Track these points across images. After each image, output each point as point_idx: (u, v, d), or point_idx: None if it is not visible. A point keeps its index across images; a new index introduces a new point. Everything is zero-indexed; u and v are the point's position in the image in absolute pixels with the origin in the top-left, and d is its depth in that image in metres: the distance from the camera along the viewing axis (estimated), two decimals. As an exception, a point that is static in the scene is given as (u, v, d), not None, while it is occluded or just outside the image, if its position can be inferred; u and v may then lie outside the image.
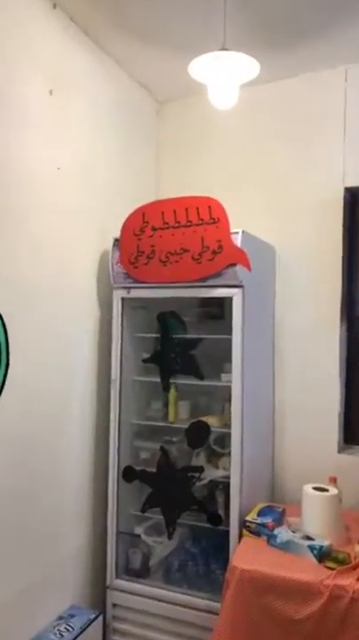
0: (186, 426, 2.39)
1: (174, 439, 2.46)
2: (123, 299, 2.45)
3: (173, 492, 2.36)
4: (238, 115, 2.46)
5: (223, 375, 2.33)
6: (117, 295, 2.46)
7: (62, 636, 2.07)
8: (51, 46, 2.14)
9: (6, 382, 1.91)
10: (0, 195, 1.89)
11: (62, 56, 2.21)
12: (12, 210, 1.94)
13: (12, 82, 1.94)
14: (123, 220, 2.40)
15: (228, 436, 2.25)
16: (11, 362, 1.93)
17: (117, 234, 2.42)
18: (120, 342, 2.48)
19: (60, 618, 2.18)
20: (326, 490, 2.14)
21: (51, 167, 2.16)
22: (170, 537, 2.36)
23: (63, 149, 2.24)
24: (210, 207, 2.23)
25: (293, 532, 2.08)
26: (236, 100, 2.11)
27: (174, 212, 2.29)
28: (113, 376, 2.47)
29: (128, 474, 2.45)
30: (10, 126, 1.93)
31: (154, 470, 2.41)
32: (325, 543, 1.96)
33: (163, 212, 2.31)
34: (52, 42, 2.15)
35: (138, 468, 2.45)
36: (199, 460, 2.39)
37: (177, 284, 2.30)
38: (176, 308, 2.48)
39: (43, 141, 2.12)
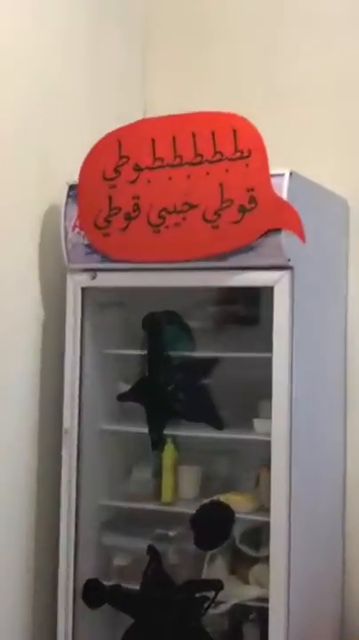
0: (192, 510, 2.37)
1: (172, 533, 2.47)
2: (83, 289, 2.47)
3: (169, 626, 2.38)
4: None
5: (257, 422, 2.33)
6: (74, 282, 2.48)
7: None
8: None
9: None
10: None
11: None
12: None
13: None
14: (85, 153, 2.42)
15: (266, 528, 2.22)
16: None
17: (74, 177, 2.44)
18: (79, 365, 2.49)
19: None
20: None
21: None
22: None
23: None
24: (235, 131, 2.20)
25: None
26: None
27: (173, 139, 2.28)
28: (65, 424, 2.48)
29: (92, 594, 2.47)
30: None
31: (137, 587, 2.43)
32: None
33: (153, 140, 2.32)
34: None
35: (108, 584, 2.47)
36: (215, 569, 2.39)
37: (177, 265, 2.31)
38: (176, 306, 2.50)
39: None
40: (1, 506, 2.38)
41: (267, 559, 2.20)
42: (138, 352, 2.55)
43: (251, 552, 2.34)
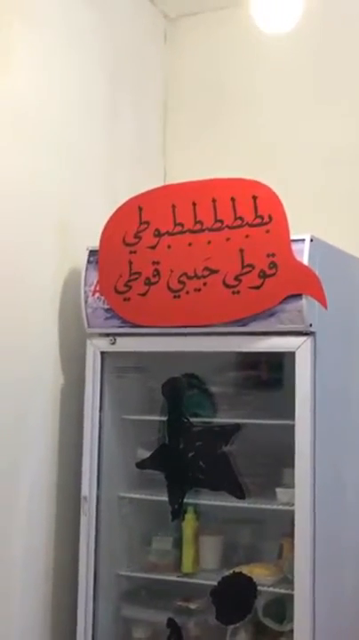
0: (213, 582, 2.38)
1: (193, 606, 2.50)
2: (103, 353, 2.53)
3: None
4: (302, 39, 2.67)
5: (280, 491, 2.34)
6: (94, 347, 2.55)
7: None
8: None
9: None
10: None
11: None
12: None
13: None
14: (104, 219, 2.51)
15: (290, 600, 2.22)
16: None
17: (95, 242, 2.52)
18: (98, 431, 2.54)
19: None
20: None
21: None
22: None
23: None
24: (255, 197, 2.27)
25: None
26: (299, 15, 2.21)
27: (193, 204, 2.36)
28: (84, 491, 2.51)
29: None
30: None
31: None
32: None
33: (173, 206, 2.39)
34: None
35: None
36: None
37: (198, 330, 2.36)
38: (196, 370, 2.55)
39: None
40: (18, 574, 2.42)
41: (291, 633, 2.20)
42: (157, 418, 2.59)
43: (274, 626, 2.34)
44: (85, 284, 2.53)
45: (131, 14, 3.10)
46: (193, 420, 2.53)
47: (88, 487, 2.51)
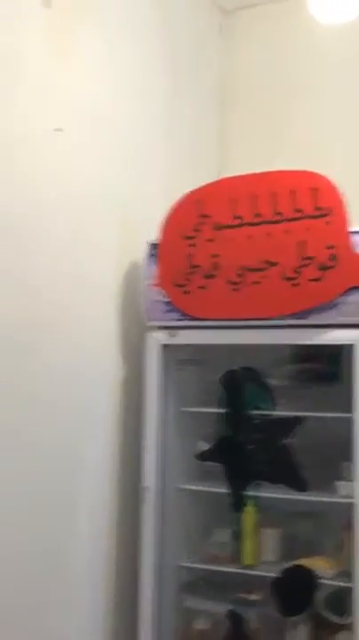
0: (273, 574, 2.43)
1: (253, 597, 2.54)
2: (163, 346, 2.60)
3: None
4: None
5: (339, 484, 2.37)
6: (154, 340, 2.62)
7: None
8: None
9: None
10: None
11: None
12: None
13: None
14: (164, 212, 2.58)
15: (350, 593, 2.27)
16: None
17: (154, 236, 2.60)
18: (158, 423, 2.60)
19: None
20: None
21: (45, 126, 2.36)
22: None
23: (65, 96, 2.45)
24: (315, 189, 2.32)
25: None
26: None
27: (252, 197, 2.42)
28: (146, 481, 2.58)
29: None
30: None
31: None
32: None
33: (232, 199, 2.46)
34: None
35: None
36: (298, 637, 2.43)
37: (257, 323, 2.42)
38: (255, 363, 2.60)
39: (36, 83, 2.31)
40: (82, 564, 2.50)
41: (351, 626, 2.24)
42: (216, 410, 2.63)
43: (335, 618, 2.37)
44: (145, 278, 2.61)
45: (188, 8, 3.17)
46: (252, 412, 2.58)
47: (149, 477, 2.57)
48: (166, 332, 2.61)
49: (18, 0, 2.31)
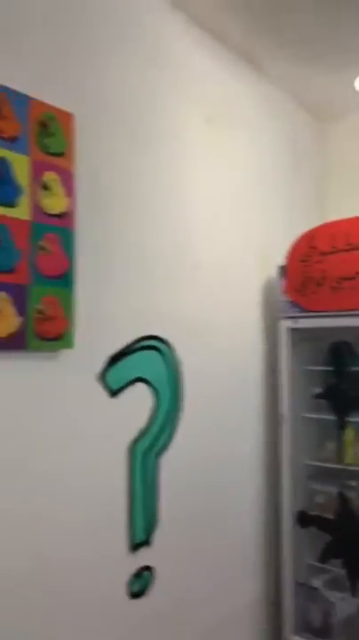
0: None
1: (354, 483, 3.24)
2: (290, 329, 3.37)
3: (355, 541, 3.18)
4: None
5: None
6: (284, 326, 3.40)
7: None
8: (207, 73, 3.16)
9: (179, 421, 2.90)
10: (170, 235, 2.88)
11: (218, 82, 3.24)
12: (181, 250, 3.00)
13: (170, 113, 2.88)
14: (286, 247, 3.37)
15: None
16: (184, 400, 2.91)
17: (281, 261, 3.39)
18: (289, 376, 3.37)
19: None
20: None
21: (209, 200, 3.12)
22: (354, 594, 3.16)
23: (221, 179, 3.23)
24: None
25: None
26: None
27: (345, 235, 3.15)
28: (282, 411, 3.38)
29: (302, 519, 3.35)
30: (170, 158, 2.88)
31: (330, 517, 3.26)
32: None
33: (332, 235, 3.19)
34: (207, 68, 3.16)
35: (312, 514, 3.33)
36: None
37: (350, 312, 3.09)
38: (350, 338, 3.30)
39: (201, 173, 3.07)
40: (245, 461, 3.36)
41: None
42: (326, 368, 3.36)
43: None
44: (277, 287, 3.40)
45: (297, 120, 3.98)
46: (350, 369, 3.24)
47: (284, 409, 3.39)
48: (291, 320, 3.36)
49: (187, 117, 3.01)
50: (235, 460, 3.33)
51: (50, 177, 2.30)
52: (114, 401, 2.59)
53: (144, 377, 2.75)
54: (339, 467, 3.38)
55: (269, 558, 3.61)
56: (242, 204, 3.45)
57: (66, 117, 2.36)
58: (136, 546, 2.70)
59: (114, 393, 2.60)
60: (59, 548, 2.33)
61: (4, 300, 2.13)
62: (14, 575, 2.16)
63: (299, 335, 3.44)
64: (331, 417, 3.39)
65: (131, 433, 2.68)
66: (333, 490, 3.37)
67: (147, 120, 2.80)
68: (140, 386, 2.73)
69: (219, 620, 3.17)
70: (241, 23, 3.15)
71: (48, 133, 2.30)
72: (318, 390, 3.46)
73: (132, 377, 2.69)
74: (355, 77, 3.30)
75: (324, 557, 3.36)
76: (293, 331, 3.43)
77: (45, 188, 2.28)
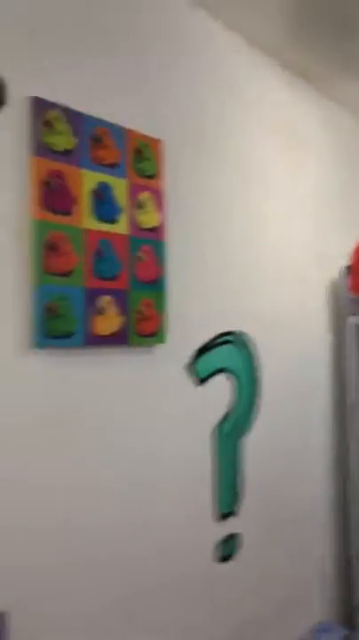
0: None
1: None
2: (356, 325, 3.65)
3: None
4: None
5: None
6: (351, 322, 3.68)
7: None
8: (280, 102, 3.43)
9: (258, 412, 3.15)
10: (244, 243, 3.26)
11: (287, 105, 3.47)
12: (255, 257, 3.30)
13: (247, 137, 3.13)
14: (349, 249, 3.82)
15: None
16: (260, 391, 3.18)
17: (346, 263, 3.80)
18: (355, 366, 3.64)
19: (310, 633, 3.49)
20: None
21: (278, 214, 3.37)
22: None
23: (289, 195, 3.50)
24: None
25: None
26: None
27: None
28: (351, 400, 3.66)
29: None
30: (245, 177, 3.16)
31: None
32: None
33: None
34: (280, 97, 3.44)
35: None
36: None
37: None
38: None
39: (271, 190, 3.31)
40: (317, 448, 3.67)
41: None
42: None
43: None
44: (343, 286, 3.71)
45: (349, 133, 4.22)
46: None
47: (351, 397, 3.68)
48: (357, 317, 3.64)
49: (261, 140, 3.27)
50: (306, 446, 3.61)
51: (144, 196, 2.66)
52: (200, 389, 2.86)
53: (226, 367, 3.00)
54: None
55: (337, 526, 3.91)
56: (307, 217, 3.70)
57: (156, 144, 2.73)
58: (224, 516, 3.01)
59: (201, 381, 2.92)
60: (157, 514, 2.68)
61: (110, 303, 2.50)
62: (124, 533, 2.55)
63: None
64: None
65: (216, 417, 2.96)
66: None
67: (225, 143, 3.05)
68: (223, 375, 2.98)
69: (298, 581, 3.47)
70: (305, 49, 3.44)
71: (142, 159, 2.66)
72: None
73: (216, 367, 2.95)
74: None
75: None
76: (359, 327, 3.77)
77: (140, 206, 2.64)
